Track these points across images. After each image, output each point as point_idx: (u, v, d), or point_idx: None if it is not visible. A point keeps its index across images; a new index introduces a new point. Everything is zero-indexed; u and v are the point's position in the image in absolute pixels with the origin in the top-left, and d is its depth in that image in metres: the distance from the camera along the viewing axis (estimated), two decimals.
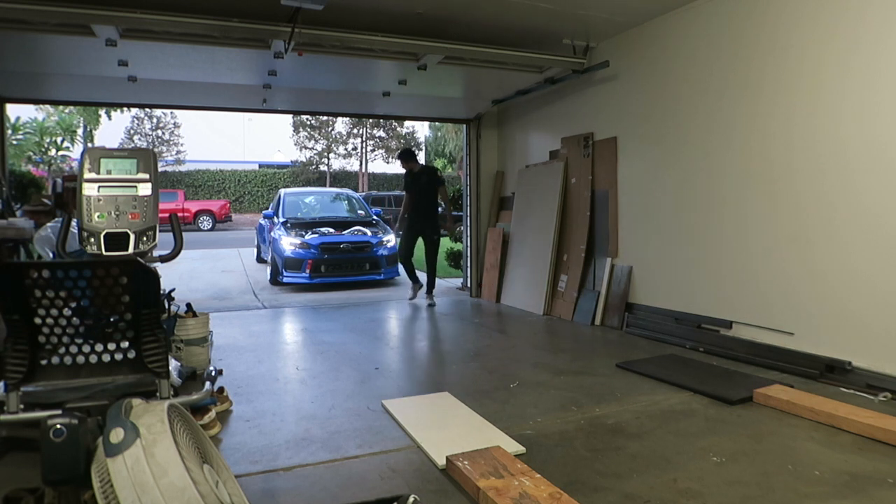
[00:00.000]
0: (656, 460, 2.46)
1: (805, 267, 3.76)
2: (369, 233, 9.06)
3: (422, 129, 28.02)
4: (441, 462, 2.39)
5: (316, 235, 8.69)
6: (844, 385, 3.41)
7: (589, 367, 3.97)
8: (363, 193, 17.74)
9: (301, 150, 27.97)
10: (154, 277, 2.07)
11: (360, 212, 10.51)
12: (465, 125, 7.70)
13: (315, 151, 27.98)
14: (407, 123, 26.37)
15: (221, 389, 3.23)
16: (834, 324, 3.60)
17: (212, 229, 22.06)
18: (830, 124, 3.61)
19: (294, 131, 27.73)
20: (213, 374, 3.10)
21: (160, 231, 2.72)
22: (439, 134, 18.53)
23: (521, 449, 2.54)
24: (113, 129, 23.40)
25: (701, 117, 4.51)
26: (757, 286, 4.08)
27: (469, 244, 7.63)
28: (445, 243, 11.07)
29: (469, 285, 7.66)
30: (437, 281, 7.88)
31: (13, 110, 17.52)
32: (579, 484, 2.23)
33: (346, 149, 28.12)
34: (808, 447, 2.59)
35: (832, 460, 2.44)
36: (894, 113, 3.28)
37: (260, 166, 29.62)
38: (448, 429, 2.82)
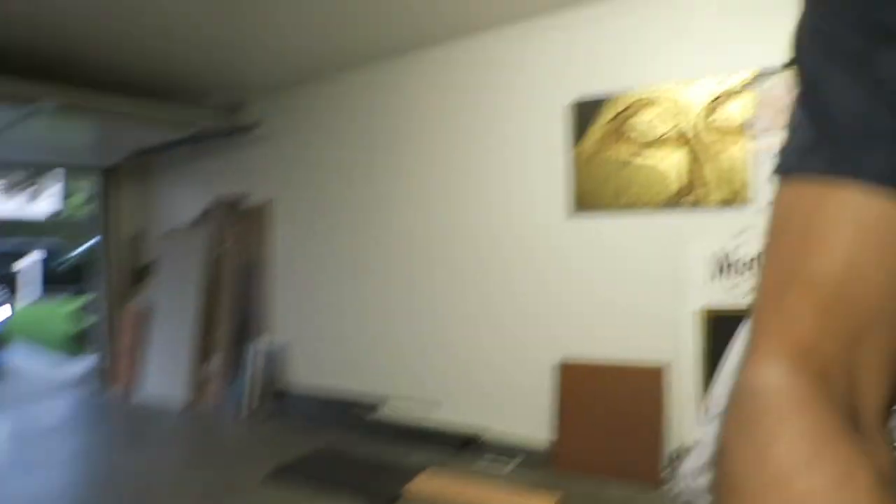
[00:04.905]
0: None
1: (442, 340, 4.08)
2: None
3: None
4: None
5: None
6: (481, 455, 3.70)
7: (238, 481, 3.54)
8: None
9: None
10: None
11: None
12: (96, 177, 6.54)
13: None
14: None
15: None
16: (470, 396, 3.95)
17: None
18: (473, 196, 4.00)
19: None
20: None
21: None
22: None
23: None
24: None
25: (355, 185, 4.59)
26: (405, 360, 4.26)
27: (98, 323, 6.41)
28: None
29: (99, 375, 6.33)
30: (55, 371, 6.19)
31: None
32: None
33: None
34: None
35: None
36: (528, 189, 3.73)
37: None
38: None
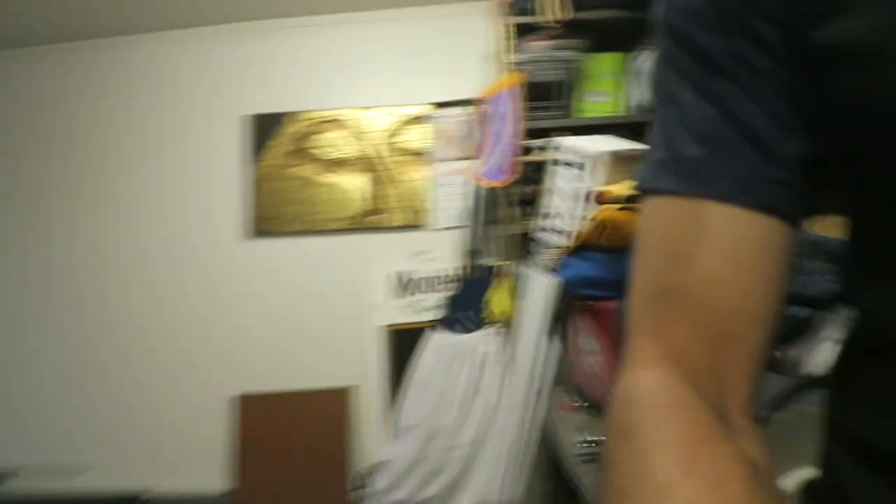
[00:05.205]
0: None
1: (86, 389, 3.40)
2: None
3: None
4: None
5: None
6: None
7: None
8: None
9: None
10: None
11: None
12: None
13: None
14: None
15: None
16: (132, 452, 3.34)
17: None
18: (129, 215, 3.43)
19: None
20: None
21: None
22: None
23: None
24: None
25: None
26: (37, 421, 3.42)
27: None
28: None
29: None
30: None
31: None
32: None
33: None
34: None
35: None
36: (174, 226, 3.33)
37: None
38: None
